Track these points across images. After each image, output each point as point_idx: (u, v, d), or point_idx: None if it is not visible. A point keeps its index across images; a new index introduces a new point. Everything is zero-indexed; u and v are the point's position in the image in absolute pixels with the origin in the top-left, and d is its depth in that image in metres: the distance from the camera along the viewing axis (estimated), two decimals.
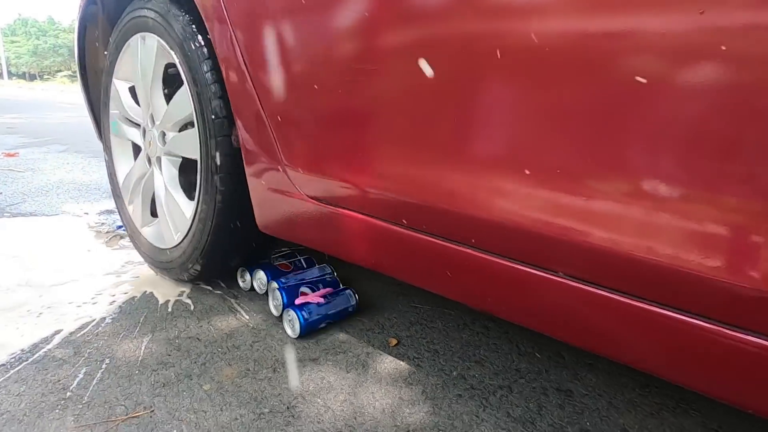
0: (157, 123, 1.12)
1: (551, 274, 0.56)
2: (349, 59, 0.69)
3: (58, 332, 0.96)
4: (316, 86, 0.75)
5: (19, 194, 2.05)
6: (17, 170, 2.56)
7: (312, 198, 0.83)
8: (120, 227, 1.61)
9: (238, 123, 0.92)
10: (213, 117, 0.95)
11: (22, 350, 0.90)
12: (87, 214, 1.80)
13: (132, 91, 1.25)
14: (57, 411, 0.74)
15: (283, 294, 1.03)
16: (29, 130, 4.54)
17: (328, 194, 0.80)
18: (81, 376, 0.83)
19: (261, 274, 1.14)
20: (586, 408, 0.78)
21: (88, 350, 0.90)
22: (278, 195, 0.89)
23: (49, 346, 0.91)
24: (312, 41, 0.75)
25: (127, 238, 1.53)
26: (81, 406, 0.75)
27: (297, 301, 1.01)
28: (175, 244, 1.12)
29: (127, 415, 0.74)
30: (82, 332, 0.97)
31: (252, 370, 0.86)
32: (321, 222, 0.83)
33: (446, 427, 0.73)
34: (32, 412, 0.73)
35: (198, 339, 0.95)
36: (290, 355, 0.91)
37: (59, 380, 0.81)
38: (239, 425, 0.72)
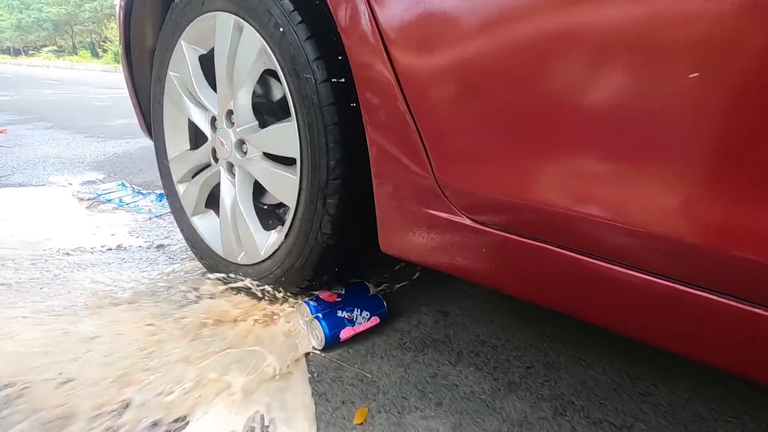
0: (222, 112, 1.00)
1: None
2: (572, 44, 0.52)
3: (45, 274, 1.18)
4: (508, 75, 0.58)
5: (8, 167, 2.24)
6: (5, 146, 2.74)
7: (478, 221, 0.67)
8: (99, 195, 1.82)
9: (367, 120, 0.75)
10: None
11: (17, 282, 1.12)
12: (71, 184, 2.00)
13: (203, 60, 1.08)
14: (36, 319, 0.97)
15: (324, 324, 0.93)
16: (16, 108, 4.66)
17: (510, 219, 0.64)
18: (63, 297, 1.05)
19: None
20: (454, 323, 1.02)
21: (72, 284, 1.13)
22: (422, 214, 0.73)
23: (41, 286, 1.14)
24: (505, 10, 0.57)
25: (105, 204, 1.74)
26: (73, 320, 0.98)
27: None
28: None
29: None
30: (63, 273, 1.19)
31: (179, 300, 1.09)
32: (492, 252, 0.68)
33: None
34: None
35: (150, 278, 1.18)
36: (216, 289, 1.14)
37: (46, 300, 1.04)
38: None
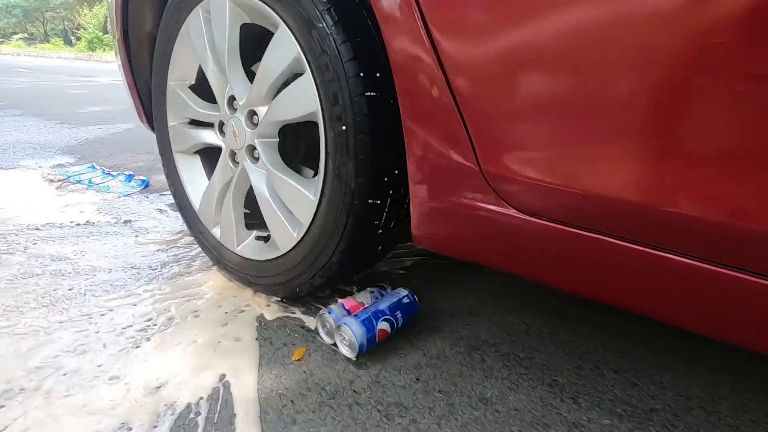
0: (242, 102, 0.92)
1: None
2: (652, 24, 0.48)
3: (15, 247, 1.26)
4: (567, 54, 0.54)
5: None
6: None
7: (526, 211, 0.64)
8: (69, 177, 1.88)
9: (404, 107, 0.71)
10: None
11: None
12: (41, 167, 2.05)
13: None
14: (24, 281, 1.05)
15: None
16: None
17: (565, 210, 0.61)
18: (27, 267, 1.13)
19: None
20: (395, 284, 1.13)
21: (42, 255, 1.20)
22: (461, 205, 0.70)
23: (15, 253, 1.21)
24: None
25: (75, 185, 1.80)
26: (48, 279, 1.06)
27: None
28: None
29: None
30: (33, 245, 1.26)
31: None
32: (542, 245, 0.65)
33: None
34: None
35: (126, 247, 1.26)
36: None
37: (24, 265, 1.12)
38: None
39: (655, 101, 0.50)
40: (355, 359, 0.83)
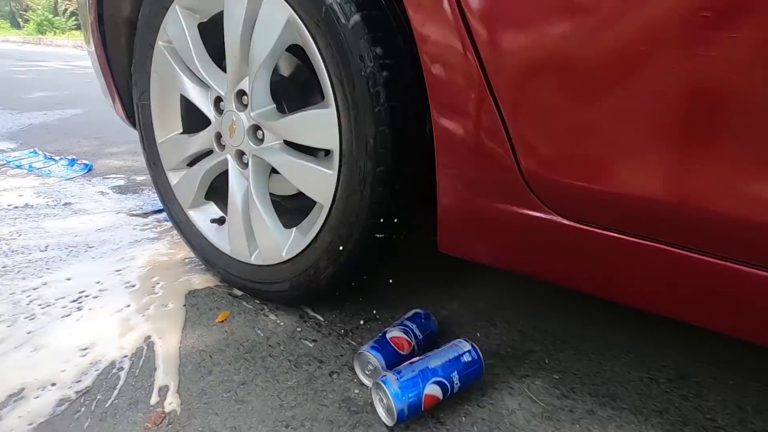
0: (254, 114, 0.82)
1: None
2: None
3: None
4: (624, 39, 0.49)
5: None
6: None
7: (573, 218, 0.59)
8: (9, 162, 1.86)
9: (433, 102, 0.65)
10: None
11: None
12: None
13: None
14: None
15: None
16: None
17: (621, 218, 0.56)
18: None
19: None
20: None
21: None
22: (497, 211, 0.65)
23: None
24: None
25: (15, 170, 1.79)
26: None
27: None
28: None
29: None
30: None
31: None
32: (594, 255, 0.60)
33: None
34: None
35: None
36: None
37: None
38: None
39: (733, 102, 0.45)
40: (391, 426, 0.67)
